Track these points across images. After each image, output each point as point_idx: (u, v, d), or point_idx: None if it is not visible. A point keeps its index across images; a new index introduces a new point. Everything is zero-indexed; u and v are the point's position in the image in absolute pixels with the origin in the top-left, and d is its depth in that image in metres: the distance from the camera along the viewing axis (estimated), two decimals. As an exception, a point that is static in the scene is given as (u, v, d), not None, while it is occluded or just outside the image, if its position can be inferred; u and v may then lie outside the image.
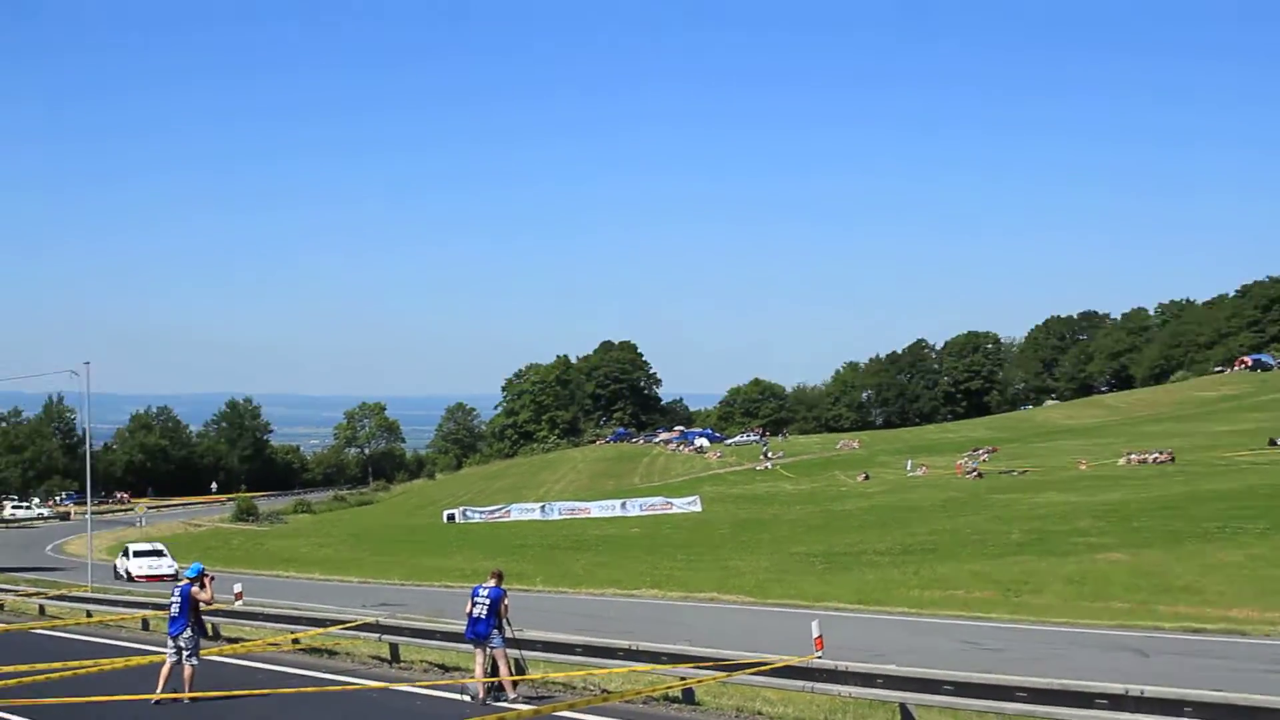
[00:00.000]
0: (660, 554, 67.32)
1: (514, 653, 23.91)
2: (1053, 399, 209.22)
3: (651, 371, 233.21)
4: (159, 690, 23.07)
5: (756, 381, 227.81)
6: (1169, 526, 55.09)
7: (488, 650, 23.21)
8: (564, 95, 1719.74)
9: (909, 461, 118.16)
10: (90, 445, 74.99)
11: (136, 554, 69.75)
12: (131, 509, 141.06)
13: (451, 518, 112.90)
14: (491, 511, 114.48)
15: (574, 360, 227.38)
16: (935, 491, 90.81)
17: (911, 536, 62.46)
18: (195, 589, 23.84)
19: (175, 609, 23.78)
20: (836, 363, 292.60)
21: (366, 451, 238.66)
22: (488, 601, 23.19)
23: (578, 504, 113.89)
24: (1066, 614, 36.69)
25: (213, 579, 24.42)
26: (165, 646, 24.13)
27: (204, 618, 26.31)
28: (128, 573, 66.82)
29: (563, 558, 68.46)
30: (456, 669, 26.79)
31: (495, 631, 23.13)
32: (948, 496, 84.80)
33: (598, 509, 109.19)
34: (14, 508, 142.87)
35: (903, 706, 19.73)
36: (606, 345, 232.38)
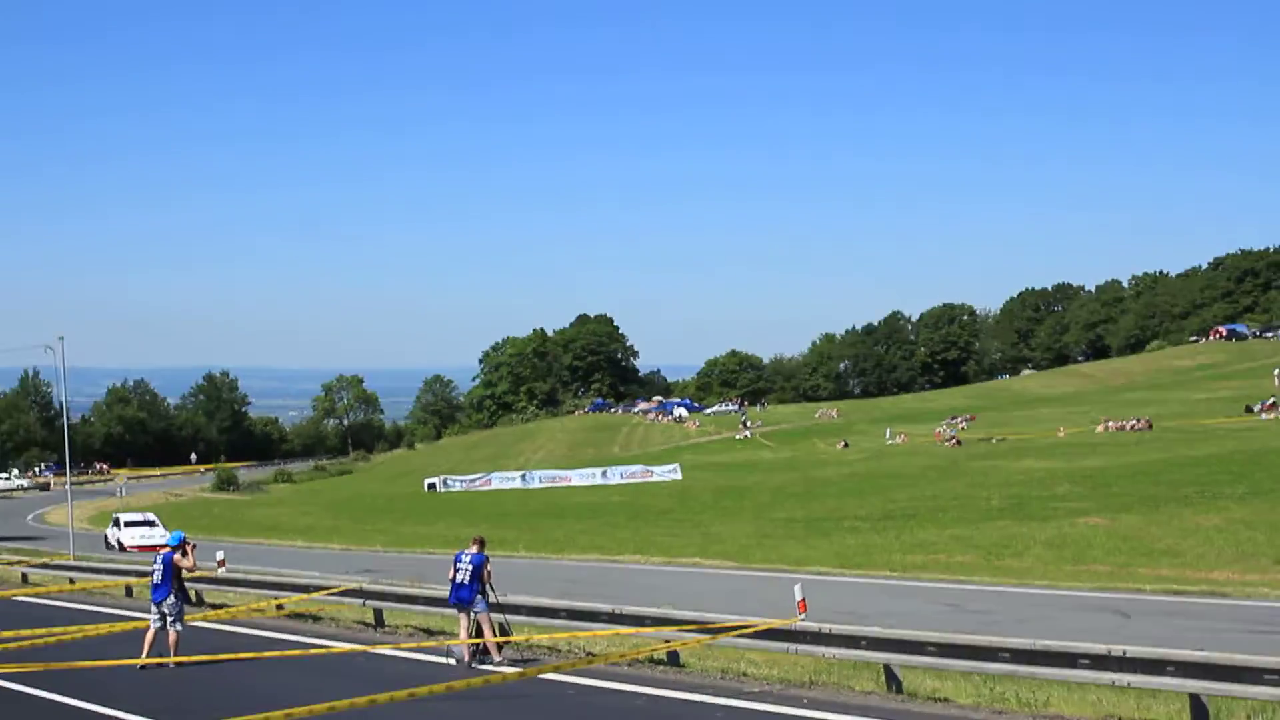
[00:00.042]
0: (642, 521, 67.47)
1: (498, 617, 23.94)
2: (1029, 369, 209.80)
3: (628, 344, 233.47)
4: (144, 655, 23.08)
5: (734, 353, 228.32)
6: (1148, 491, 55.35)
7: (472, 614, 23.25)
8: (542, 75, 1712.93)
9: (888, 430, 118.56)
10: (68, 418, 74.99)
11: (128, 524, 69.21)
12: (111, 479, 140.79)
13: (433, 486, 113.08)
14: (472, 480, 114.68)
15: (550, 333, 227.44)
16: (915, 459, 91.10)
17: (892, 502, 62.67)
18: (177, 556, 23.83)
19: (158, 576, 23.77)
20: (812, 334, 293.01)
21: (345, 423, 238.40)
22: (470, 567, 23.22)
23: (558, 472, 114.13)
24: (1048, 577, 36.83)
25: (194, 546, 24.42)
26: (149, 613, 24.13)
27: (187, 585, 26.34)
28: (119, 543, 66.26)
29: (545, 525, 68.53)
30: (441, 632, 26.82)
31: (479, 596, 23.16)
32: (927, 464, 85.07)
33: (578, 477, 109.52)
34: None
35: (887, 668, 19.79)
36: (583, 318, 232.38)
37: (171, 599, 23.50)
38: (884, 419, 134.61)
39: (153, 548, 61.34)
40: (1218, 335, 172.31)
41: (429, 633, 27.61)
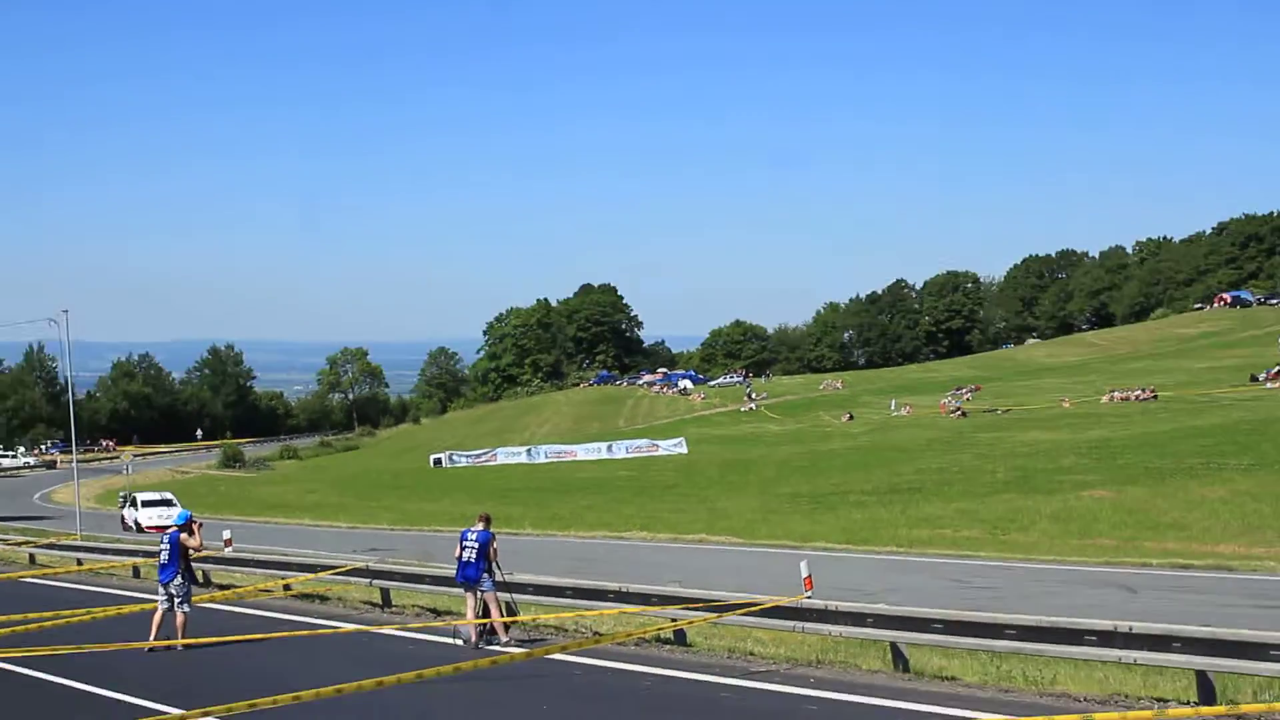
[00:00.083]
0: (648, 496, 67.56)
1: (505, 596, 23.93)
2: (1034, 337, 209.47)
3: (633, 314, 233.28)
4: (152, 638, 23.10)
5: (738, 323, 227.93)
6: (1153, 463, 55.35)
7: (478, 594, 23.24)
8: (541, 43, 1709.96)
9: (893, 401, 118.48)
10: (73, 393, 74.82)
11: (145, 504, 68.21)
12: (118, 457, 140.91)
13: (438, 462, 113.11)
14: (478, 456, 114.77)
15: (554, 304, 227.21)
16: (920, 431, 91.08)
17: (897, 476, 62.70)
18: (184, 536, 23.86)
19: (165, 556, 23.79)
20: (817, 303, 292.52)
21: (350, 397, 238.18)
22: (476, 545, 23.20)
23: (564, 447, 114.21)
24: (1053, 551, 36.89)
25: (201, 526, 24.44)
26: (156, 594, 24.15)
27: (194, 565, 26.40)
28: (137, 523, 65.54)
29: (551, 501, 68.61)
30: (448, 612, 26.83)
31: (485, 575, 23.14)
32: (932, 436, 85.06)
33: (584, 452, 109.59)
34: None
35: (894, 645, 19.80)
36: (587, 288, 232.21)
37: (179, 580, 23.52)
38: (889, 390, 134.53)
39: (163, 529, 60.24)
40: (1222, 302, 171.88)
41: (435, 612, 27.62)
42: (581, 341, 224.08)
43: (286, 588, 31.37)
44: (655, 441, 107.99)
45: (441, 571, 27.20)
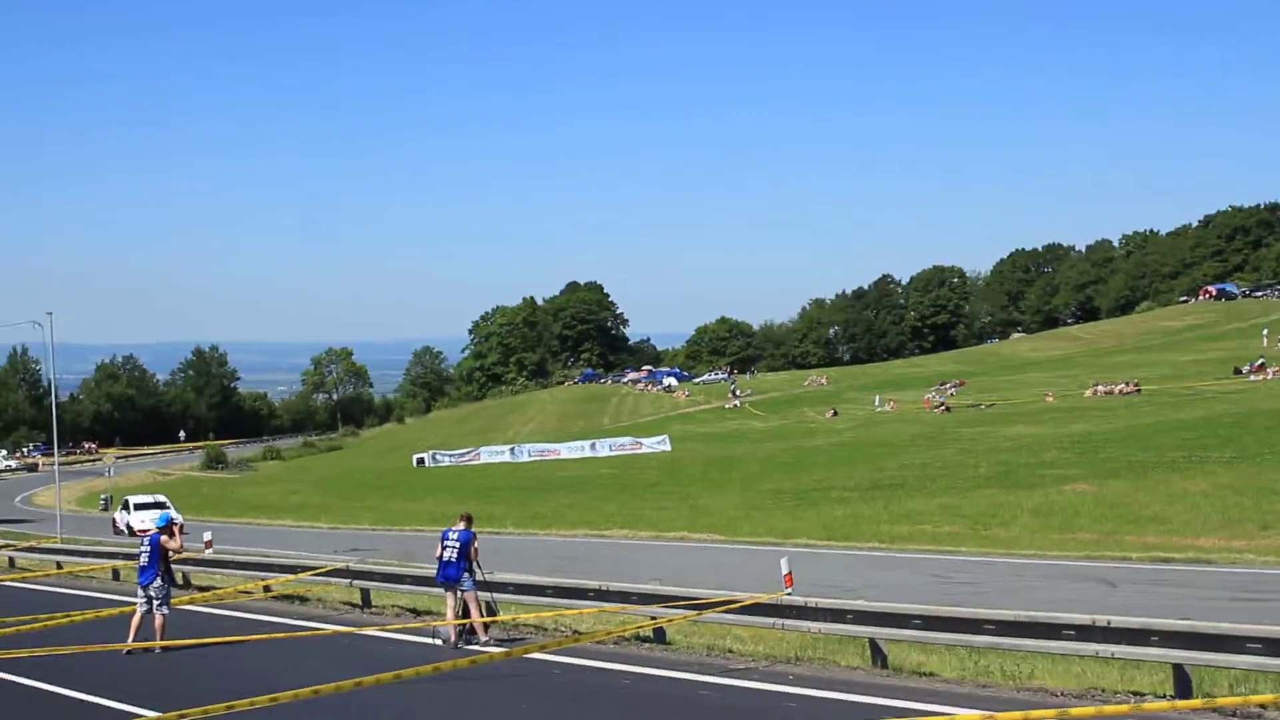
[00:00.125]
0: (630, 494, 67.56)
1: (485, 595, 23.92)
2: (1019, 332, 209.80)
3: (618, 311, 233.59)
4: (130, 640, 23.08)
5: (724, 319, 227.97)
6: (1135, 457, 55.41)
7: (459, 593, 23.22)
8: (531, 43, 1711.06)
9: (877, 397, 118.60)
10: (56, 396, 74.64)
11: (138, 507, 66.81)
12: (100, 459, 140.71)
13: (421, 462, 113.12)
14: (461, 455, 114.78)
15: (540, 302, 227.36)
16: (903, 426, 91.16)
17: (880, 472, 62.73)
18: (164, 538, 23.85)
19: (144, 559, 23.77)
20: (802, 299, 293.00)
21: (335, 397, 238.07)
22: (457, 545, 23.18)
23: (547, 445, 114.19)
24: (1035, 546, 36.90)
25: (181, 528, 24.44)
26: (136, 596, 24.13)
27: (174, 567, 26.35)
28: (129, 527, 64.55)
29: (533, 499, 68.57)
30: (428, 612, 26.84)
31: (466, 574, 23.12)
32: (916, 431, 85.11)
33: (567, 450, 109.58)
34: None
35: (872, 641, 19.81)
36: (573, 286, 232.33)
37: (159, 582, 23.50)
38: (873, 386, 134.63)
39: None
40: (1207, 295, 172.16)
41: (416, 613, 27.62)
42: (567, 339, 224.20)
43: (266, 589, 31.34)
44: (639, 439, 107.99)
45: (422, 571, 27.19)
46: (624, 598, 23.41)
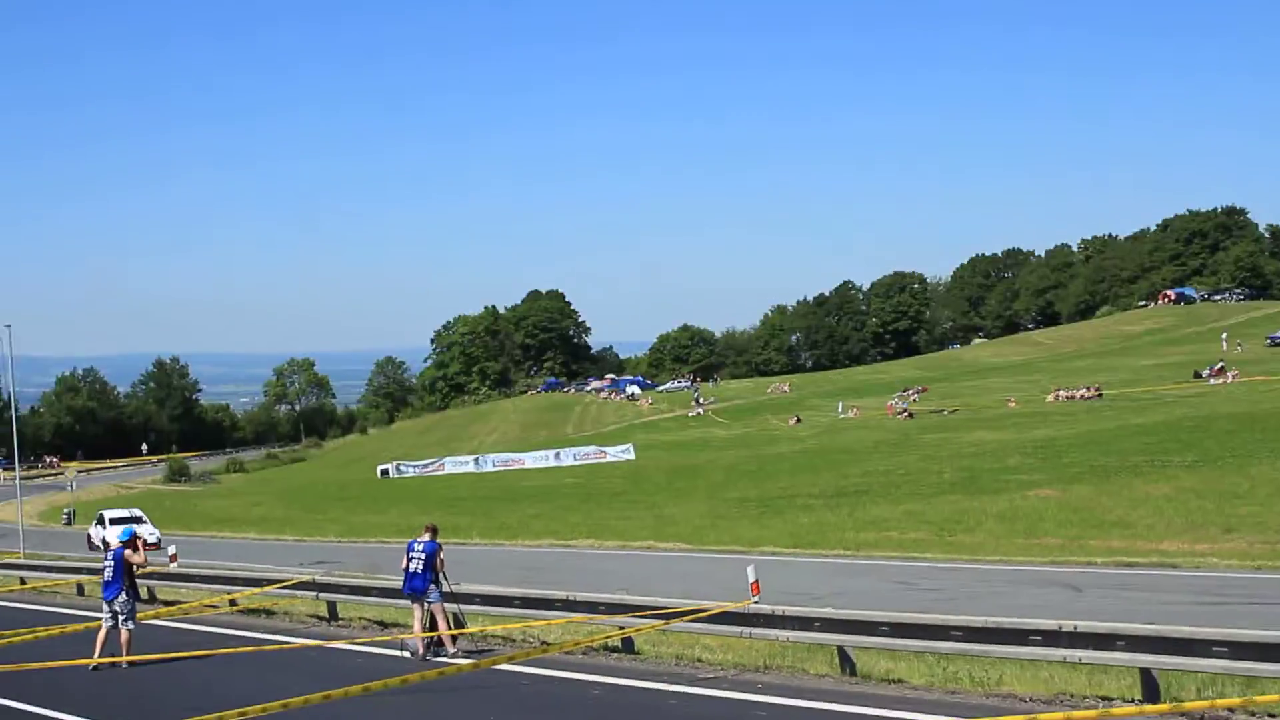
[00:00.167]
0: (595, 503, 67.49)
1: (452, 607, 23.90)
2: (980, 337, 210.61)
3: (580, 320, 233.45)
4: (96, 655, 22.97)
5: (685, 327, 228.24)
6: (1098, 461, 55.61)
7: (425, 605, 23.20)
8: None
9: (840, 404, 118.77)
10: (16, 409, 74.32)
11: (114, 521, 63.29)
12: (61, 473, 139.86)
13: (385, 473, 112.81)
14: (425, 465, 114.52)
15: (502, 310, 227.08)
16: (867, 433, 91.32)
17: (844, 479, 62.81)
18: (128, 552, 23.76)
19: (109, 573, 23.67)
20: (764, 306, 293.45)
21: (297, 408, 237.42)
22: (423, 556, 23.16)
23: (512, 455, 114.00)
24: (1000, 551, 37.03)
25: (145, 542, 24.31)
26: (101, 612, 24.02)
27: (139, 581, 26.23)
28: (104, 542, 63.49)
29: (498, 510, 68.45)
30: (395, 625, 26.78)
31: (432, 586, 23.11)
32: (879, 438, 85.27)
33: (532, 460, 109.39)
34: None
35: (841, 649, 19.84)
36: (534, 295, 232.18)
37: (124, 597, 23.41)
38: (836, 392, 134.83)
39: (158, 545, 56.30)
40: (1166, 299, 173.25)
41: (383, 625, 27.56)
42: (529, 348, 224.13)
43: (232, 603, 31.25)
44: (603, 448, 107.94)
45: (388, 583, 27.17)
46: (591, 608, 23.42)
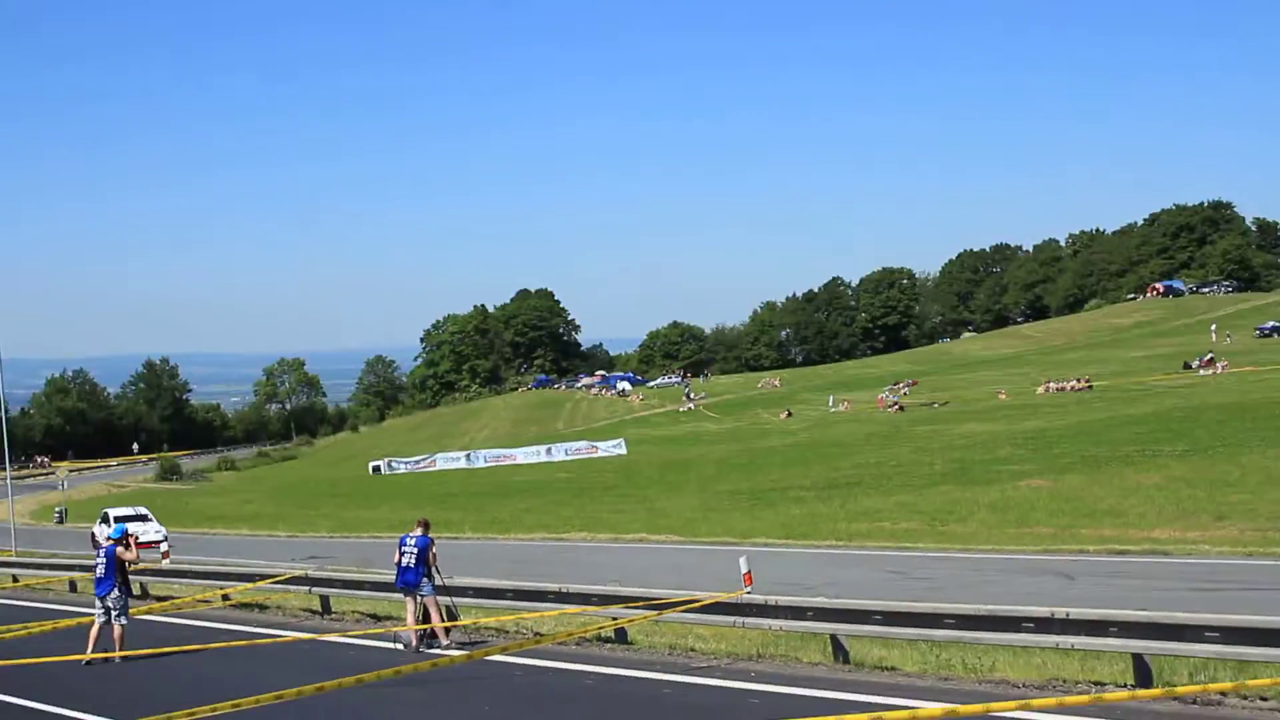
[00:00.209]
0: (587, 497, 67.48)
1: (445, 599, 23.90)
2: (970, 331, 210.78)
3: (570, 318, 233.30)
4: (89, 651, 22.96)
5: (675, 324, 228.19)
6: (1089, 452, 55.67)
7: (418, 598, 23.23)
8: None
9: (830, 398, 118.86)
10: (5, 410, 73.99)
11: (119, 519, 57.31)
12: (53, 473, 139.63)
13: (377, 469, 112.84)
14: (417, 462, 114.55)
15: (491, 309, 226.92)
16: (858, 426, 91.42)
17: (835, 471, 62.84)
18: (120, 549, 23.77)
19: (101, 570, 23.69)
20: (754, 302, 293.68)
21: (288, 407, 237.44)
22: (415, 550, 23.19)
23: (503, 451, 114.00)
24: (992, 541, 37.02)
25: (138, 539, 24.31)
26: (94, 608, 24.02)
27: (132, 577, 26.24)
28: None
29: (490, 504, 68.40)
30: (389, 618, 26.77)
31: (425, 579, 23.13)
32: (870, 430, 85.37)
33: (523, 455, 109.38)
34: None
35: (834, 637, 19.85)
36: (524, 293, 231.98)
37: (116, 593, 23.42)
38: (826, 387, 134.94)
39: (145, 545, 54.34)
40: (1155, 292, 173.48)
41: (376, 618, 27.57)
42: (519, 346, 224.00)
43: (225, 597, 31.25)
44: (594, 443, 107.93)
45: (380, 577, 27.13)
46: (584, 599, 23.43)
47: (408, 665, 18.18)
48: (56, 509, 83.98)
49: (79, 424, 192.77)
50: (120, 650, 22.96)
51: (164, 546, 38.84)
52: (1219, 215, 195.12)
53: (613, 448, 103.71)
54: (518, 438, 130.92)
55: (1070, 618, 17.17)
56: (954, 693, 16.89)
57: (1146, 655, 16.55)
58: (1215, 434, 55.26)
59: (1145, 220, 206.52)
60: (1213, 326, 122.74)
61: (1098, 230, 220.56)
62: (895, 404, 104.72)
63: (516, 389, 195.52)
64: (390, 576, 24.48)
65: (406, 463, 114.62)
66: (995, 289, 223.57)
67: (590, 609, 23.18)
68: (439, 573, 23.50)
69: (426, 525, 23.85)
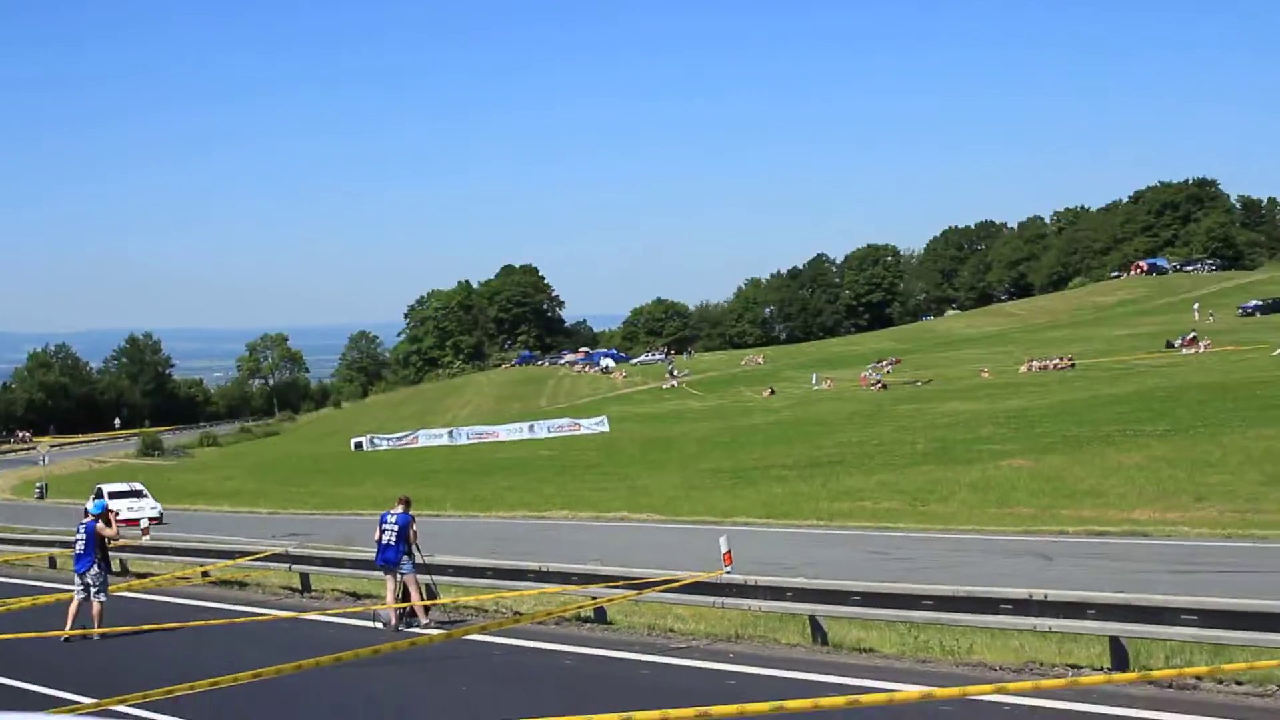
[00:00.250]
0: (569, 475, 67.49)
1: (424, 578, 23.90)
2: (954, 308, 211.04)
3: (554, 294, 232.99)
4: (68, 627, 22.94)
5: (659, 300, 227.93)
6: (1071, 431, 55.76)
7: (398, 576, 23.23)
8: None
9: (814, 375, 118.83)
10: (-12, 385, 74.00)
11: (112, 495, 56.22)
12: (34, 448, 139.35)
13: (359, 446, 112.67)
14: (399, 438, 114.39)
15: (475, 285, 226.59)
16: (840, 404, 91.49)
17: (818, 449, 62.89)
18: (100, 525, 23.74)
19: (80, 546, 23.66)
20: (738, 279, 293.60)
21: (270, 383, 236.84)
22: (396, 528, 23.19)
23: (486, 428, 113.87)
24: (972, 521, 37.09)
25: (118, 515, 24.28)
26: (73, 584, 24.00)
27: (111, 553, 26.19)
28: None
29: (472, 482, 68.40)
30: (368, 596, 26.77)
31: (405, 557, 23.14)
32: (853, 409, 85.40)
33: (506, 432, 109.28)
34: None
35: (813, 618, 19.88)
36: (508, 269, 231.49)
37: (95, 569, 23.40)
38: (810, 364, 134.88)
39: (125, 522, 52.30)
40: (1139, 270, 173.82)
41: (356, 596, 27.56)
42: (503, 322, 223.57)
43: (205, 574, 31.21)
44: (577, 420, 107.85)
45: (361, 555, 27.12)
46: (564, 579, 23.46)
47: (386, 644, 18.17)
48: (37, 484, 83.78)
49: (61, 399, 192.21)
50: (99, 627, 22.92)
51: (144, 523, 38.64)
52: (1203, 193, 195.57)
53: (595, 425, 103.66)
54: (501, 414, 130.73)
55: (1048, 600, 17.24)
56: (931, 675, 16.95)
57: (1124, 638, 16.61)
58: (1196, 414, 55.36)
59: (1130, 198, 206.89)
60: (1195, 305, 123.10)
61: (1083, 207, 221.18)
62: (878, 382, 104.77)
63: (500, 365, 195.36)
64: (371, 554, 24.46)
65: (389, 439, 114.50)
66: (979, 266, 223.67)
67: (570, 588, 23.20)
68: (419, 551, 23.50)
69: (408, 503, 23.86)
